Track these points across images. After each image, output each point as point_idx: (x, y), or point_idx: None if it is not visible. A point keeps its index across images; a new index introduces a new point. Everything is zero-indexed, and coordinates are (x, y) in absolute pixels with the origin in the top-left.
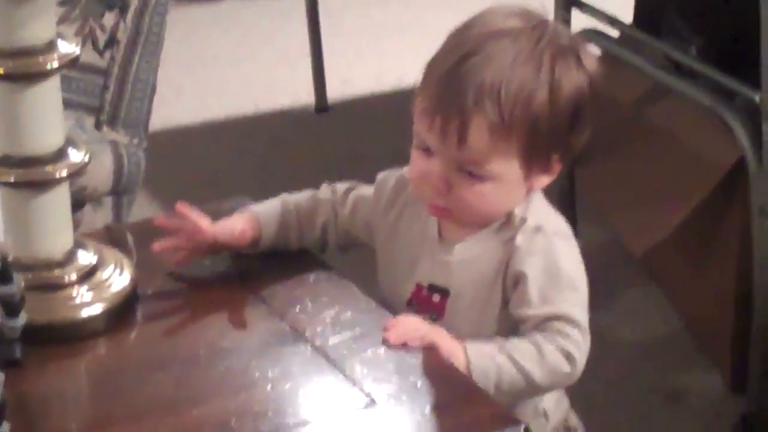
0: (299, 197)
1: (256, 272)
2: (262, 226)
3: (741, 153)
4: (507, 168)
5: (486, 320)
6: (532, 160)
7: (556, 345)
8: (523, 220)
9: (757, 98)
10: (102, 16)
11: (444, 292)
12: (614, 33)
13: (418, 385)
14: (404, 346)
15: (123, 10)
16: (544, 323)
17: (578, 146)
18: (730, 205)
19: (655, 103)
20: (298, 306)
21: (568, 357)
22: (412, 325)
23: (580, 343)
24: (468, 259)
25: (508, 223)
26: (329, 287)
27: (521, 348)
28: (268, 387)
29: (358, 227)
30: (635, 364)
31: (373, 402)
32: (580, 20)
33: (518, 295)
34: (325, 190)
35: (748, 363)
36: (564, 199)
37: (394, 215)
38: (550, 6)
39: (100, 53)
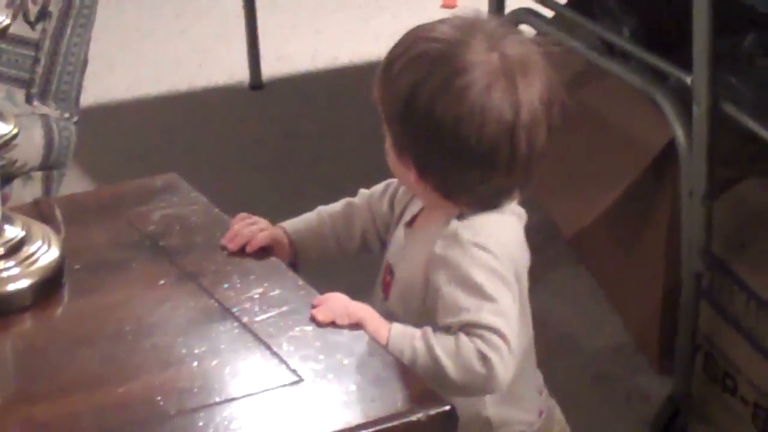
0: (334, 208)
1: (184, 249)
2: (297, 244)
3: (672, 135)
4: (397, 161)
5: (411, 311)
6: (403, 159)
7: (474, 345)
8: (447, 225)
9: (688, 80)
10: None
11: (393, 274)
12: (548, 13)
13: (345, 362)
14: (332, 323)
15: None
16: (465, 329)
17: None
18: (660, 187)
19: (588, 85)
20: (226, 283)
21: (484, 359)
22: (340, 303)
23: (500, 349)
24: (409, 247)
25: (442, 226)
26: (258, 265)
27: (441, 340)
28: (195, 364)
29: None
30: (563, 346)
31: (300, 379)
32: (513, 0)
33: (438, 305)
34: (361, 195)
35: (675, 345)
36: None
37: (406, 202)
38: None
39: (32, 26)
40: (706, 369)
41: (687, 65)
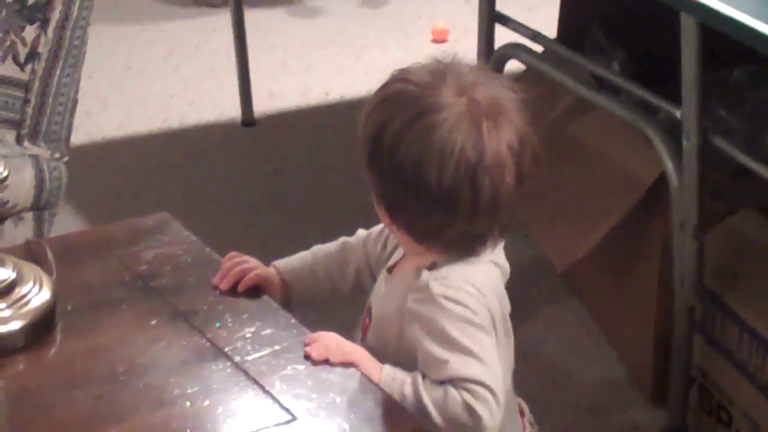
0: (330, 248)
1: (176, 289)
2: (290, 283)
3: (662, 169)
4: (376, 203)
5: (385, 356)
6: (377, 200)
7: (462, 398)
8: (419, 275)
9: (678, 114)
10: (23, 29)
11: (371, 319)
12: (538, 48)
13: (338, 401)
14: (326, 362)
15: (44, 23)
16: (453, 382)
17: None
18: (651, 220)
19: (579, 119)
20: (219, 322)
21: (471, 412)
22: (334, 341)
23: (488, 401)
24: (386, 294)
25: (414, 277)
26: (250, 304)
27: (430, 390)
28: (188, 404)
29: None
30: (557, 380)
31: (293, 418)
32: (504, 35)
33: (420, 359)
34: (358, 235)
35: (668, 377)
36: None
37: (394, 246)
38: (474, 21)
39: (21, 67)
40: (701, 401)
41: (676, 99)
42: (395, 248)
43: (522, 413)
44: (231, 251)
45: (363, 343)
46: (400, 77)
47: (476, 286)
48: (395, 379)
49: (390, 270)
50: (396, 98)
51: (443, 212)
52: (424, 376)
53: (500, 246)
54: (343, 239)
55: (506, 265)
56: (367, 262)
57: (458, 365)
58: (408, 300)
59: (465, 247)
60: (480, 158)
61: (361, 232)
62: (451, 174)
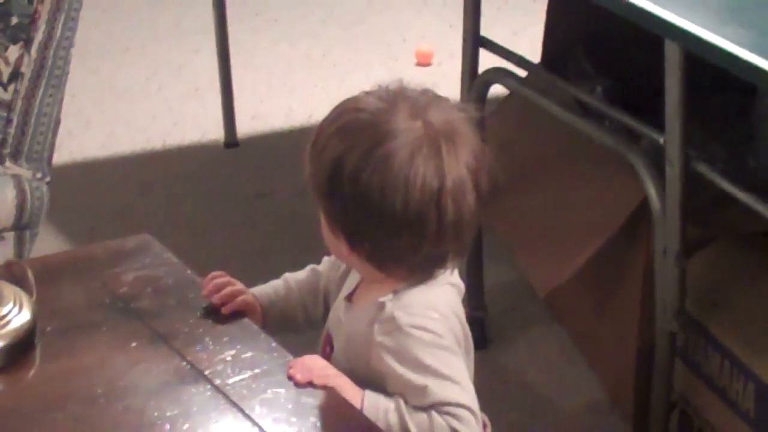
0: (300, 275)
1: (156, 311)
2: (265, 310)
3: (645, 195)
4: (331, 234)
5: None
6: (335, 231)
7: (447, 423)
8: (383, 307)
9: (661, 140)
10: (6, 49)
11: (332, 347)
12: (522, 73)
13: (318, 425)
14: (309, 384)
15: (28, 43)
16: (435, 407)
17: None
18: (633, 246)
19: (562, 144)
20: (199, 345)
21: None
22: (317, 364)
23: (470, 423)
24: (348, 325)
25: (377, 311)
26: (230, 327)
27: (414, 417)
28: (167, 427)
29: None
30: (539, 405)
31: None
32: (487, 59)
33: (397, 390)
34: (324, 262)
35: (649, 403)
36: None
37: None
38: (459, 45)
39: (4, 87)
40: (681, 427)
41: (660, 125)
42: (347, 274)
43: (485, 427)
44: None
45: None
46: (352, 107)
47: (439, 310)
48: (378, 407)
49: (349, 298)
50: (351, 128)
51: (410, 236)
52: (406, 402)
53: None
54: (311, 266)
55: (462, 285)
56: (331, 287)
57: (437, 390)
58: (375, 333)
59: (427, 270)
60: (442, 183)
61: (325, 259)
62: (417, 199)
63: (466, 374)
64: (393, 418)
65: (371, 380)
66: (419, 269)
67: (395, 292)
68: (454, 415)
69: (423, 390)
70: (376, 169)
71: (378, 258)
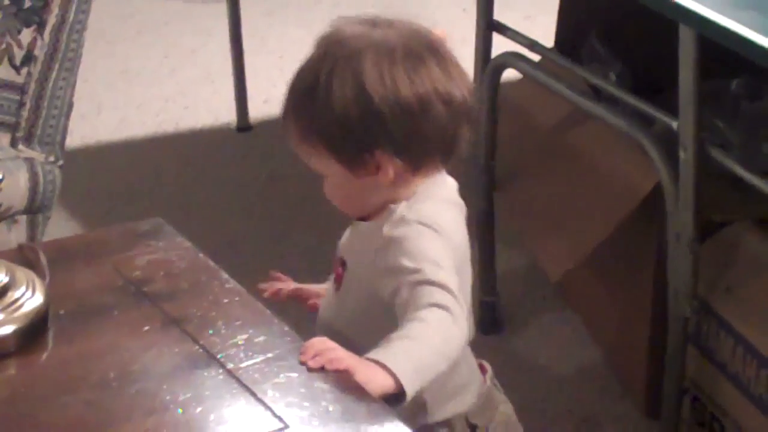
0: None
1: (169, 295)
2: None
3: (658, 179)
4: (327, 167)
5: (361, 298)
6: (343, 157)
7: (436, 311)
8: (393, 213)
9: (674, 125)
10: (19, 32)
11: (344, 265)
12: (535, 57)
13: (330, 409)
14: (321, 368)
15: (41, 26)
16: (412, 291)
17: (429, 140)
18: (646, 231)
19: (575, 128)
20: (211, 329)
21: (447, 309)
22: (329, 346)
23: (454, 305)
24: (356, 238)
25: (388, 215)
26: (243, 310)
27: (411, 328)
28: (179, 411)
29: None
30: (551, 389)
31: (285, 426)
32: (501, 43)
33: (388, 276)
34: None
35: (662, 388)
36: (483, 222)
37: None
38: (471, 29)
39: (17, 70)
40: (694, 412)
41: (673, 109)
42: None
43: (484, 370)
44: (224, 256)
45: (337, 293)
46: (304, 66)
47: (446, 223)
48: (407, 356)
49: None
50: (306, 65)
51: (428, 121)
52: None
53: (455, 186)
54: None
55: (463, 203)
56: None
57: (432, 273)
58: (383, 230)
59: (442, 153)
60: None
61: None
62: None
63: (456, 282)
64: (425, 352)
65: (378, 291)
66: (434, 159)
67: (407, 200)
68: (434, 299)
69: (413, 269)
70: (386, 72)
71: (416, 159)
